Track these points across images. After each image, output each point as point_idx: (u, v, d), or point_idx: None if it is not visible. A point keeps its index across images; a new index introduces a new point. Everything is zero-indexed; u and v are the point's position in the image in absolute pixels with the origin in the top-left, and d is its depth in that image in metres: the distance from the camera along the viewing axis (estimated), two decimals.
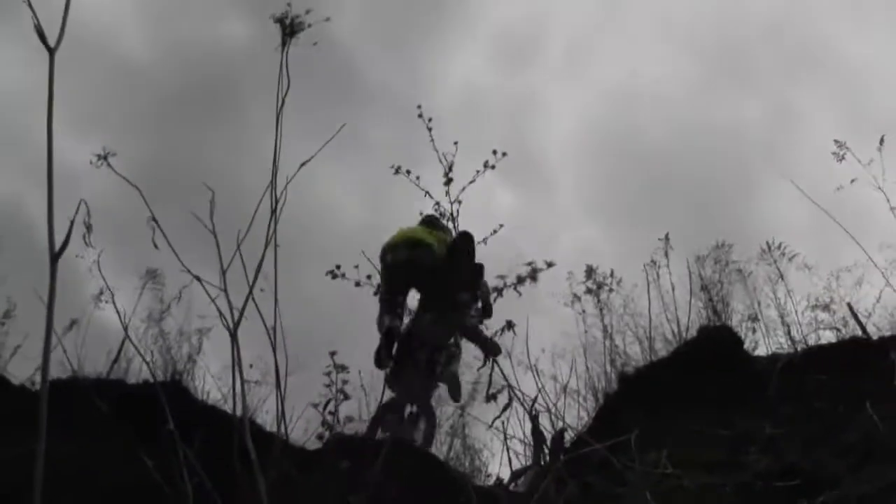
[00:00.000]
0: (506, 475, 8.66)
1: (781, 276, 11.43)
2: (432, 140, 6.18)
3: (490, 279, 5.85)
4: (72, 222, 3.29)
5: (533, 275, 5.82)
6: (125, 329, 6.46)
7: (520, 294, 5.81)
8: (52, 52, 3.32)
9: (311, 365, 7.48)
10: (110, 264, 5.49)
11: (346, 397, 5.92)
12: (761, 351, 11.07)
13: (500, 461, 10.23)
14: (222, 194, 5.41)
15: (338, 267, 5.73)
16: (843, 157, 10.77)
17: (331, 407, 5.87)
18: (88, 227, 3.88)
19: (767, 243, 11.60)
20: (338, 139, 5.21)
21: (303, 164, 4.97)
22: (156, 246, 4.94)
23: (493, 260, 6.53)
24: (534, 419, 6.88)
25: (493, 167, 6.24)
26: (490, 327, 6.60)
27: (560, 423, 8.55)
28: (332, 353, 5.87)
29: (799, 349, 10.39)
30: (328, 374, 5.89)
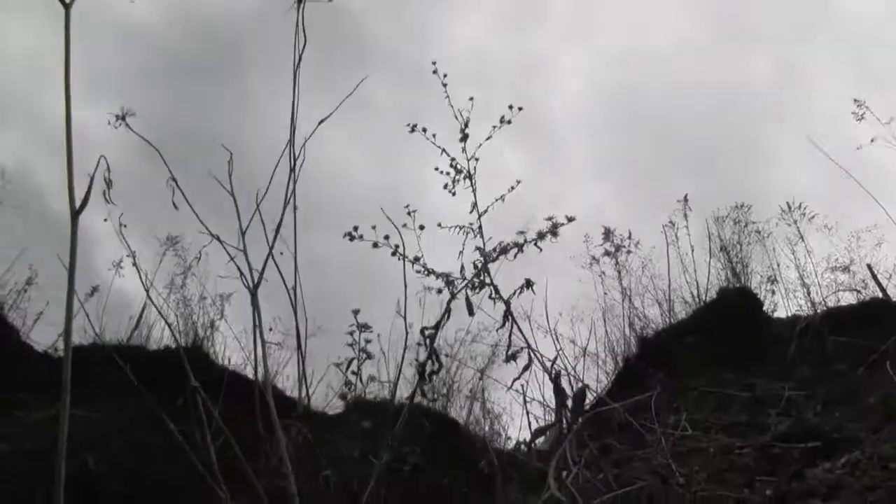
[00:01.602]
0: (524, 438, 8.71)
1: (801, 237, 11.30)
2: (447, 96, 6.10)
3: (510, 236, 5.84)
4: (91, 177, 3.29)
5: (553, 230, 5.75)
6: (147, 291, 6.44)
7: (540, 250, 5.75)
8: (67, 7, 3.32)
9: (328, 327, 7.49)
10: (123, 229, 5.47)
11: (369, 356, 5.88)
12: (781, 313, 11.02)
13: (519, 425, 10.30)
14: (232, 157, 5.39)
15: (355, 228, 5.67)
16: (862, 117, 10.60)
17: (353, 367, 5.83)
18: (109, 183, 3.85)
19: (788, 203, 11.45)
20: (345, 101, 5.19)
21: (321, 122, 4.95)
22: (175, 206, 4.93)
23: (509, 218, 6.49)
24: (555, 378, 6.87)
25: (509, 122, 6.16)
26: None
27: (579, 385, 8.57)
28: (356, 312, 5.82)
29: (818, 311, 10.31)
30: (351, 332, 5.85)
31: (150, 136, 5.38)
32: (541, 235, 5.72)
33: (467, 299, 5.66)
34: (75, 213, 3.14)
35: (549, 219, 5.76)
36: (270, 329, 7.82)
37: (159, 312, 8.86)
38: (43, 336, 10.17)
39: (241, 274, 4.90)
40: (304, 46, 5.06)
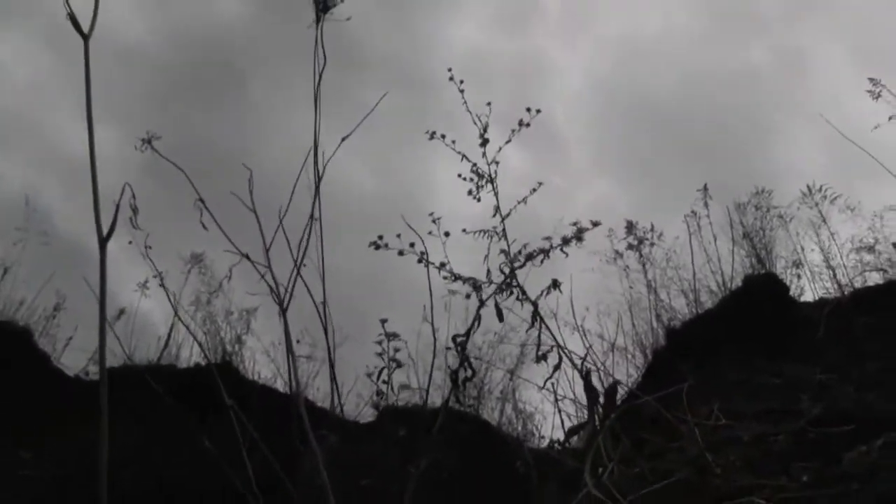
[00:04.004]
0: (558, 437, 8.71)
1: (824, 220, 11.19)
2: (465, 102, 6.18)
3: (535, 241, 5.89)
4: (117, 205, 3.32)
5: (578, 235, 5.79)
6: (175, 310, 6.52)
7: (566, 255, 5.78)
8: (86, 38, 3.34)
9: (352, 337, 7.51)
10: (136, 250, 5.50)
11: (399, 365, 5.92)
12: (808, 297, 10.92)
13: (552, 424, 10.29)
14: (238, 174, 5.43)
15: (380, 237, 5.72)
16: (879, 95, 10.49)
17: (384, 376, 5.87)
18: (135, 210, 3.89)
19: (808, 186, 11.35)
20: (340, 109, 5.24)
21: (344, 139, 4.99)
22: (204, 227, 4.98)
23: (521, 218, 6.50)
24: (586, 376, 6.88)
25: (528, 125, 6.21)
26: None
27: (610, 380, 8.55)
28: (384, 321, 5.86)
29: (846, 293, 10.24)
30: (379, 342, 5.89)
31: (152, 157, 5.42)
32: (566, 241, 5.76)
33: (497, 306, 5.70)
34: (103, 241, 3.17)
35: (575, 224, 5.80)
36: (298, 341, 7.87)
37: (189, 331, 8.92)
38: (73, 360, 10.25)
39: (272, 290, 4.94)
40: (323, 66, 5.11)
